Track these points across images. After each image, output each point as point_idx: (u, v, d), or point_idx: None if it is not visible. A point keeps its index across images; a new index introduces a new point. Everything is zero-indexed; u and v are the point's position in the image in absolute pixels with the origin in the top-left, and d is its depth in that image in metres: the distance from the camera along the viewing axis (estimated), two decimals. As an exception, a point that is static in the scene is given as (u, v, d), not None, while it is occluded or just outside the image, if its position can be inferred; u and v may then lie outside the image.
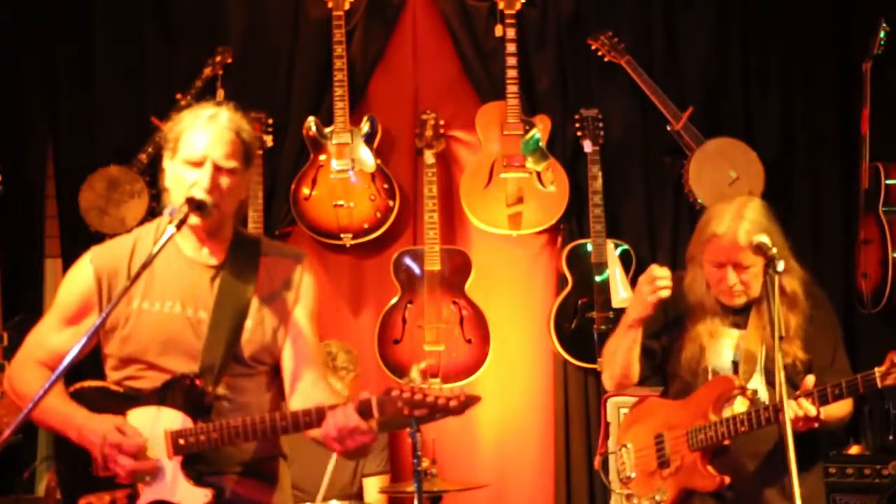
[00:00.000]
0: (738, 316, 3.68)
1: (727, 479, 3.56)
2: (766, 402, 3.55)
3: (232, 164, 2.83)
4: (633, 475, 3.79)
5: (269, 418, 2.76)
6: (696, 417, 3.61)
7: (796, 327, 3.55)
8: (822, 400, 3.38)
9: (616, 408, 4.58)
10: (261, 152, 5.21)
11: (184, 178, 2.81)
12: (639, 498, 3.74)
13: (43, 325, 2.97)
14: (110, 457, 2.76)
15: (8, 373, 2.99)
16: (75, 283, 2.94)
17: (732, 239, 3.51)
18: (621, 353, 3.70)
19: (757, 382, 3.62)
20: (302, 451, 3.56)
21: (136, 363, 2.86)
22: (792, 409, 3.35)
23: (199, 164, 2.81)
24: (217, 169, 2.81)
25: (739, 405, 3.60)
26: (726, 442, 3.55)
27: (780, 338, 3.22)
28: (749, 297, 3.62)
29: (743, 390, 3.59)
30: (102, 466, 2.78)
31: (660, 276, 3.55)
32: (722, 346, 3.67)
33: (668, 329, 3.77)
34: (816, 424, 3.40)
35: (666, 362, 3.78)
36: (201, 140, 2.81)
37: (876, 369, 3.33)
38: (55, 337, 2.92)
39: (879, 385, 3.34)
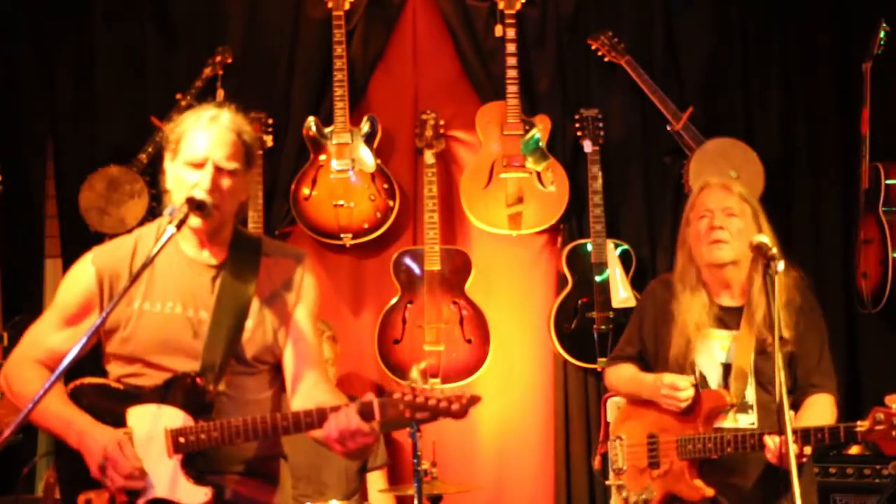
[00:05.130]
0: (727, 314, 3.72)
1: (711, 493, 3.64)
2: (756, 417, 3.64)
3: (233, 165, 2.84)
4: (625, 468, 3.84)
5: (270, 418, 2.77)
6: (686, 426, 3.66)
7: (780, 306, 3.58)
8: (805, 441, 3.45)
9: (616, 408, 4.58)
10: (261, 152, 5.22)
11: (185, 180, 2.82)
12: (628, 491, 3.79)
13: (41, 324, 2.97)
14: (102, 470, 2.76)
15: (4, 370, 2.98)
16: (76, 283, 2.94)
17: (723, 184, 3.77)
18: (630, 392, 3.93)
19: (749, 385, 3.65)
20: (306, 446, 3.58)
21: (137, 363, 2.86)
22: (774, 444, 3.41)
23: (200, 165, 2.81)
24: (218, 170, 2.81)
25: (730, 423, 3.66)
26: (713, 456, 3.60)
27: (781, 338, 3.24)
28: (733, 253, 3.69)
29: (734, 408, 3.65)
30: (94, 476, 2.78)
31: (683, 399, 3.63)
32: (711, 347, 3.71)
33: (655, 329, 3.83)
34: (804, 459, 3.48)
35: (655, 360, 3.83)
36: (202, 141, 2.82)
37: (859, 423, 3.40)
38: (54, 336, 2.92)
39: (859, 439, 3.44)
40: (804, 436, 3.43)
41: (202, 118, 2.86)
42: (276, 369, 2.94)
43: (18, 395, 2.91)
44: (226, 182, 2.83)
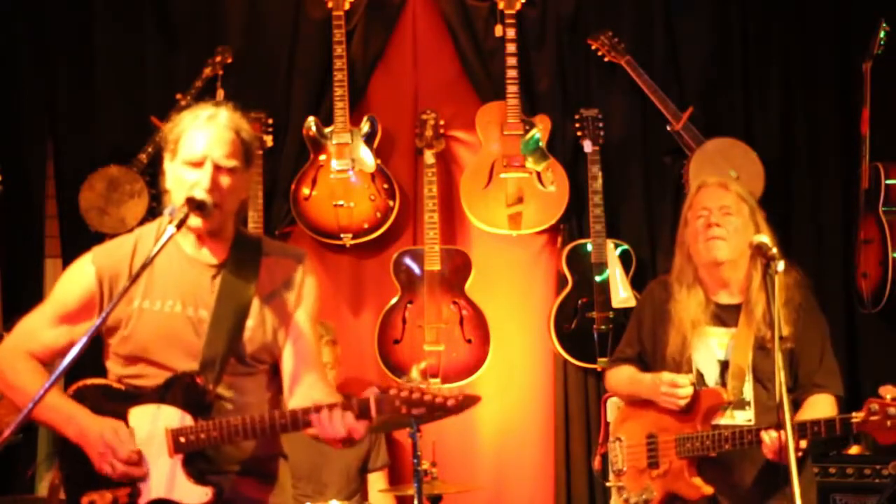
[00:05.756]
0: (725, 311, 3.73)
1: (710, 491, 3.66)
2: (753, 414, 3.65)
3: (232, 163, 2.84)
4: (625, 469, 3.85)
5: (269, 416, 2.77)
6: (684, 425, 3.67)
7: (779, 304, 3.59)
8: (802, 434, 3.46)
9: (616, 408, 4.59)
10: (261, 152, 5.22)
11: (184, 179, 2.82)
12: (628, 492, 3.80)
13: (36, 318, 2.96)
14: (104, 457, 2.77)
15: None
16: (75, 282, 2.94)
17: (720, 182, 3.79)
18: (630, 393, 3.92)
19: (747, 382, 3.66)
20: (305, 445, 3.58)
21: (138, 362, 2.87)
22: (770, 439, 3.42)
23: (199, 164, 2.81)
24: (217, 168, 2.82)
25: (727, 420, 3.69)
26: (712, 454, 3.60)
27: (781, 338, 3.24)
28: (730, 251, 3.69)
29: (731, 406, 3.65)
30: (97, 466, 2.79)
31: (682, 396, 3.63)
32: (709, 345, 3.71)
33: (653, 329, 3.84)
34: (800, 453, 3.49)
35: (653, 359, 3.84)
36: (201, 140, 2.82)
37: (854, 414, 3.42)
38: (49, 332, 2.93)
39: (854, 430, 3.44)
40: (800, 428, 3.44)
41: (200, 117, 2.86)
42: (274, 371, 2.94)
43: (10, 385, 2.91)
44: (225, 180, 2.83)
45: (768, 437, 3.47)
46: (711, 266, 3.75)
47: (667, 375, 3.69)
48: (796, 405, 3.68)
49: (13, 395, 2.90)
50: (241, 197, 2.92)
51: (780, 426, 3.22)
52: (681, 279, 3.80)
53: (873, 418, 3.37)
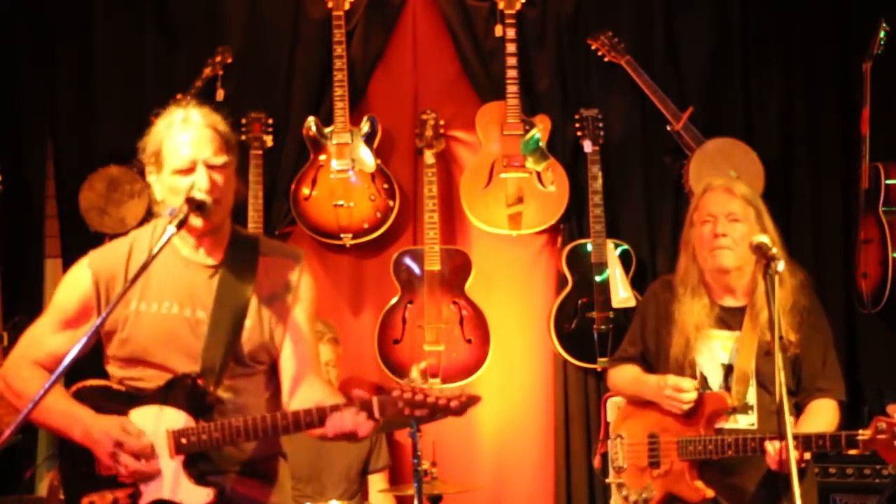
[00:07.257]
0: (729, 314, 3.72)
1: (711, 494, 3.66)
2: (756, 418, 3.63)
3: (221, 159, 2.85)
4: (625, 466, 3.85)
5: (271, 418, 2.77)
6: (687, 427, 3.66)
7: (785, 309, 3.58)
8: (806, 447, 3.46)
9: (616, 407, 4.59)
10: (261, 152, 5.23)
11: (179, 187, 2.82)
12: (628, 489, 3.80)
13: (39, 326, 2.97)
14: (113, 455, 2.77)
15: (2, 371, 2.99)
16: (73, 287, 2.94)
17: (726, 186, 3.74)
18: (633, 393, 3.90)
19: (751, 386, 3.65)
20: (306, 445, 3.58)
21: (137, 364, 2.87)
22: (774, 450, 3.42)
23: (190, 170, 2.81)
24: (210, 168, 2.82)
25: (730, 424, 3.68)
26: (714, 458, 3.60)
27: (780, 338, 3.24)
28: (736, 259, 3.68)
29: (735, 411, 3.65)
30: (106, 465, 2.79)
31: (686, 401, 3.62)
32: (712, 348, 3.71)
33: (656, 329, 3.83)
34: (804, 465, 3.48)
35: (656, 360, 3.83)
36: (185, 146, 2.82)
37: (861, 432, 3.41)
38: (52, 339, 2.93)
39: (861, 448, 3.44)
40: (805, 442, 3.43)
41: (174, 123, 2.87)
42: (272, 371, 2.94)
43: (19, 395, 2.92)
44: (219, 177, 2.84)
45: (772, 447, 3.46)
46: (717, 273, 3.74)
47: (672, 379, 3.68)
48: (798, 409, 3.68)
49: (21, 403, 2.90)
50: (234, 190, 2.92)
51: (783, 437, 3.23)
52: (685, 281, 3.79)
53: (881, 437, 3.36)
